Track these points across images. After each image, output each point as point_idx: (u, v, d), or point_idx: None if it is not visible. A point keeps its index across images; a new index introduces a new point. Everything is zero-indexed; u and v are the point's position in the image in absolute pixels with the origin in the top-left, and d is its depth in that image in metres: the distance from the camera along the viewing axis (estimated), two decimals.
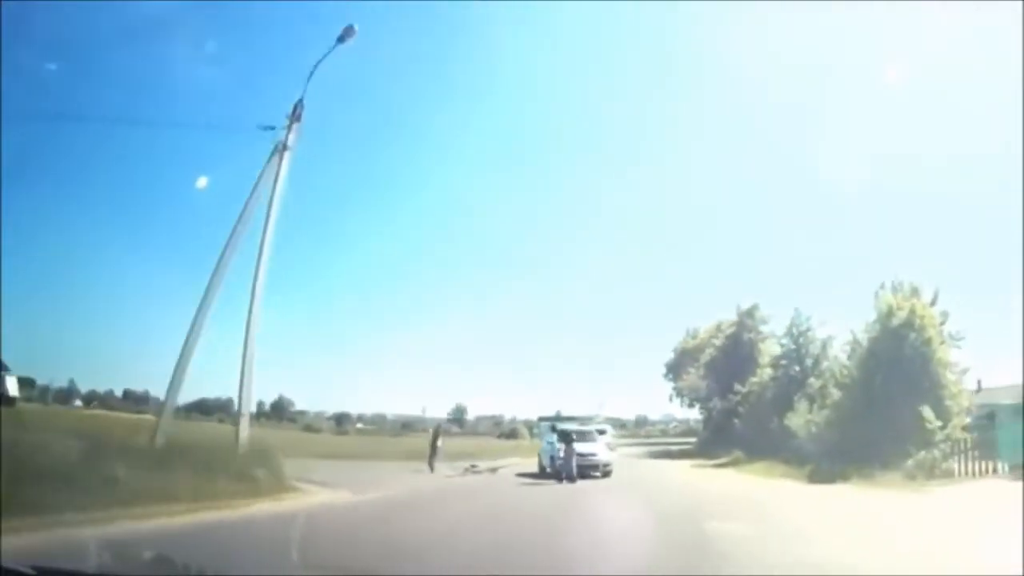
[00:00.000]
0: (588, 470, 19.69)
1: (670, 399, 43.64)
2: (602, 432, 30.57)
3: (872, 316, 22.35)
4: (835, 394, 22.06)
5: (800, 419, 22.86)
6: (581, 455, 19.78)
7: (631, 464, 26.17)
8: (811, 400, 23.77)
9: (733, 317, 35.96)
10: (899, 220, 27.64)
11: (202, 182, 21.90)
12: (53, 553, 5.62)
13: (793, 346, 28.77)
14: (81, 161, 27.23)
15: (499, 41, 30.00)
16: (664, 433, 52.32)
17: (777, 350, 30.20)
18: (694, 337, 42.37)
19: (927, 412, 18.56)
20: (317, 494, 15.10)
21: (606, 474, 20.11)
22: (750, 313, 35.04)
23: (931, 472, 17.29)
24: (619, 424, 54.90)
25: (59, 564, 4.08)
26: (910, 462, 17.73)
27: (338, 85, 26.28)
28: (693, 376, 40.09)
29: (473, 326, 36.31)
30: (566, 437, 19.76)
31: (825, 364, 27.00)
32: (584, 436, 21.46)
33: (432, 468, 21.91)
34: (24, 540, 6.24)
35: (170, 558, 4.91)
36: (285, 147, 18.57)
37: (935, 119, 26.27)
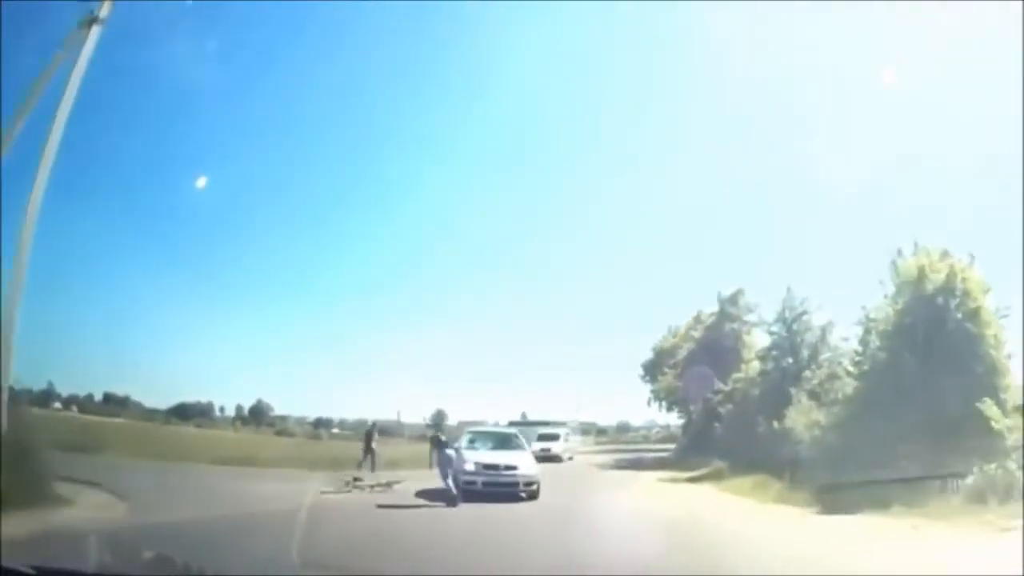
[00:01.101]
0: (507, 490, 13.14)
1: (648, 403, 37.50)
2: (552, 438, 24.51)
3: (891, 289, 16.31)
4: (848, 385, 15.71)
5: (803, 419, 16.40)
6: (492, 468, 13.36)
7: (585, 477, 19.82)
8: (815, 396, 17.45)
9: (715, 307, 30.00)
10: (894, 220, 23.66)
11: (201, 182, 21.35)
12: (53, 553, 5.21)
13: (785, 334, 22.50)
14: (76, 162, 23.40)
15: (492, 42, 27.52)
16: (646, 439, 46.86)
17: (766, 340, 23.94)
18: (675, 335, 36.22)
19: (990, 408, 12.27)
20: (71, 510, 10.60)
21: (531, 496, 13.51)
22: (733, 300, 28.76)
23: (1008, 493, 10.81)
24: (599, 430, 51.10)
25: (59, 564, 3.87)
26: (970, 479, 11.38)
27: (333, 86, 25.92)
28: (670, 376, 34.52)
29: (461, 331, 31.86)
30: (439, 444, 13.29)
31: (826, 355, 20.93)
32: (505, 442, 14.91)
33: (364, 469, 17.97)
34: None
35: (170, 558, 4.72)
36: (95, 20, 13.19)
37: (933, 116, 22.12)
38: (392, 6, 22.61)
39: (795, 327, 22.20)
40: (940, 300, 14.38)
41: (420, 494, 13.26)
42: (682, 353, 32.41)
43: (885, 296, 16.41)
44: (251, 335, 28.81)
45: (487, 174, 29.90)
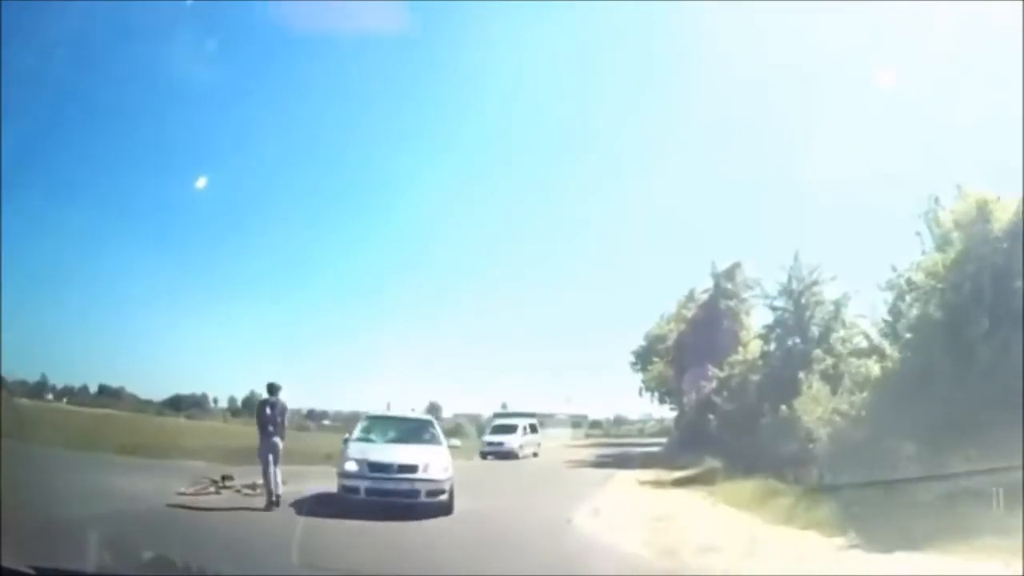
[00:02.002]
0: (400, 499, 9.10)
1: (639, 393, 34.05)
2: (507, 430, 20.95)
3: (929, 244, 12.45)
4: (887, 360, 11.76)
5: (817, 408, 12.39)
6: (381, 469, 9.39)
7: (545, 479, 16.01)
8: (834, 379, 13.54)
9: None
10: (894, 222, 21.30)
11: (197, 177, 21.29)
12: (53, 553, 4.70)
13: (792, 308, 18.56)
14: (74, 159, 23.80)
15: (487, 44, 25.27)
16: (641, 433, 43.83)
17: (768, 317, 19.91)
18: (669, 321, 32.46)
19: None
20: None
21: (443, 509, 9.45)
22: (729, 275, 24.59)
23: None
24: (592, 423, 48.50)
25: (59, 564, 3.84)
26: None
27: (329, 85, 24.52)
28: (660, 365, 30.88)
29: (455, 323, 31.07)
30: (262, 423, 9.41)
31: (840, 333, 16.97)
32: (411, 434, 10.73)
33: None
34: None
35: (170, 558, 4.72)
36: None
37: (934, 116, 18.99)
38: (391, 7, 20.91)
39: (803, 300, 18.27)
40: (1006, 245, 10.43)
41: (296, 502, 9.34)
42: (673, 337, 28.83)
43: (924, 252, 12.59)
44: (246, 327, 27.72)
45: (482, 172, 28.73)
